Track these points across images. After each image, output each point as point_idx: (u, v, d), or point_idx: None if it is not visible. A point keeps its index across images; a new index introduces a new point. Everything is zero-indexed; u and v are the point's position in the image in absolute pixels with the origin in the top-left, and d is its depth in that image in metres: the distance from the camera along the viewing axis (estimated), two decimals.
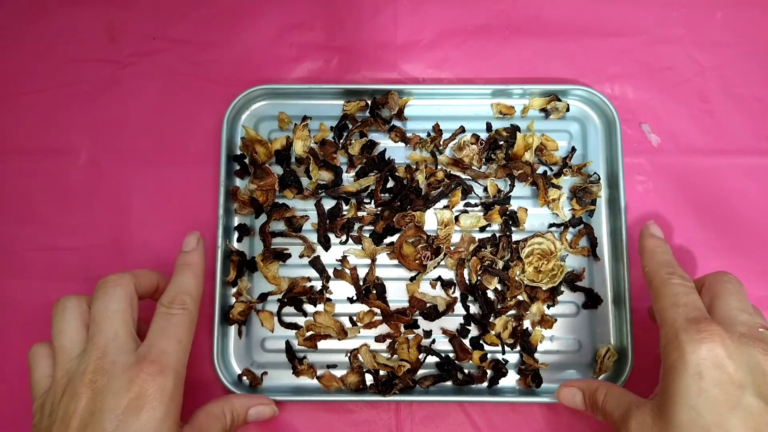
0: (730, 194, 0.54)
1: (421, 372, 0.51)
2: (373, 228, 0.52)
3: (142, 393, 0.36)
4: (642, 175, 0.54)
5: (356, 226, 0.53)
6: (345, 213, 0.53)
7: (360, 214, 0.53)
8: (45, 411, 0.38)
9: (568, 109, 0.54)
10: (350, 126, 0.54)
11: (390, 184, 0.53)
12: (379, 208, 0.52)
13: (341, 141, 0.54)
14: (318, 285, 0.52)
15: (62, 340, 0.39)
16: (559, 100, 0.54)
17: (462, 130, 0.54)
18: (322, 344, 0.52)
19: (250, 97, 0.54)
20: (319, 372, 0.51)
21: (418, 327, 0.52)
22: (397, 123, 0.55)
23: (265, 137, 0.54)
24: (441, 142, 0.54)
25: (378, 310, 0.52)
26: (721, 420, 0.31)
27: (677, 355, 0.35)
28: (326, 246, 0.52)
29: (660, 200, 0.54)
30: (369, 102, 0.54)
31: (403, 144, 0.54)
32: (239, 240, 0.53)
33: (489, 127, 0.55)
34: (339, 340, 0.51)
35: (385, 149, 0.54)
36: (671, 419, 0.33)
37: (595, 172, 0.53)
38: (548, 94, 0.54)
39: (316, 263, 0.52)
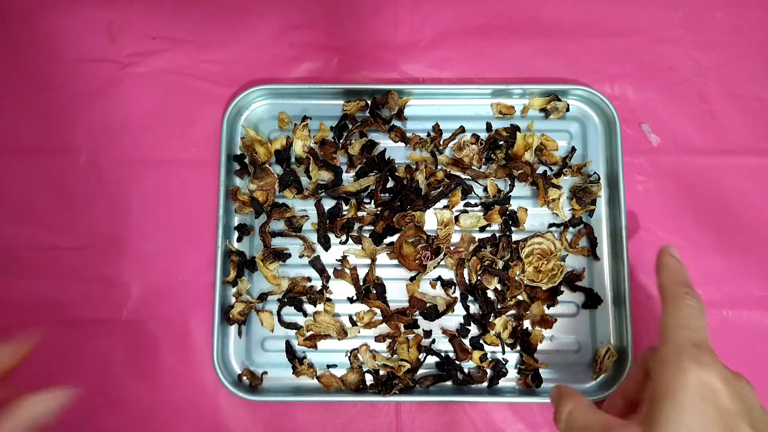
0: (730, 194, 0.54)
1: (421, 372, 0.51)
2: (373, 228, 0.52)
3: None
4: (642, 175, 0.54)
5: (356, 226, 0.53)
6: (345, 213, 0.53)
7: (360, 214, 0.53)
8: None
9: (568, 109, 0.54)
10: (350, 126, 0.54)
11: (390, 184, 0.53)
12: (379, 208, 0.52)
13: (341, 141, 0.54)
14: (318, 285, 0.52)
15: None
16: (559, 100, 0.54)
17: (462, 130, 0.54)
18: (322, 344, 0.52)
19: (250, 97, 0.54)
20: (319, 372, 0.51)
21: (418, 327, 0.52)
22: (397, 123, 0.55)
23: (265, 137, 0.54)
24: (441, 142, 0.54)
25: (378, 310, 0.52)
26: None
27: (678, 375, 0.34)
28: (326, 246, 0.52)
29: (660, 200, 0.54)
30: (369, 102, 0.54)
31: (403, 144, 0.54)
32: (239, 240, 0.53)
33: (489, 127, 0.55)
34: (339, 340, 0.51)
35: (385, 149, 0.54)
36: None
37: (594, 172, 0.53)
38: (548, 94, 0.54)
39: (316, 263, 0.52)
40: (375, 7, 0.58)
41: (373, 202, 0.53)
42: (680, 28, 0.57)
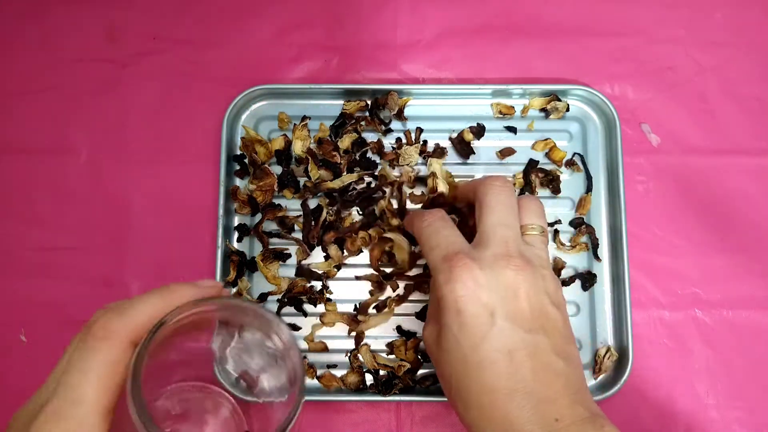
0: (730, 194, 0.54)
1: (421, 372, 0.51)
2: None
3: None
4: (642, 175, 0.54)
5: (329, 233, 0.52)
6: (329, 214, 0.52)
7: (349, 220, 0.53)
8: None
9: (568, 109, 0.54)
10: (347, 124, 0.54)
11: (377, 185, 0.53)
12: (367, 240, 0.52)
13: (336, 138, 0.54)
14: (318, 285, 0.52)
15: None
16: (559, 100, 0.54)
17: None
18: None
19: (250, 97, 0.54)
20: (319, 372, 0.51)
21: (415, 334, 0.52)
22: (397, 123, 0.55)
23: (265, 137, 0.54)
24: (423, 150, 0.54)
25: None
26: (476, 348, 0.35)
27: (439, 294, 0.37)
28: (311, 246, 0.52)
29: (660, 200, 0.54)
30: (369, 102, 0.54)
31: (392, 148, 0.54)
32: (239, 240, 0.53)
33: (481, 131, 0.54)
34: (349, 333, 0.51)
35: (368, 150, 0.54)
36: (441, 346, 0.37)
37: (553, 93, 0.54)
38: (548, 94, 0.54)
39: (302, 269, 0.52)
40: (375, 7, 0.58)
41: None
42: (680, 28, 0.57)
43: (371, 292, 0.52)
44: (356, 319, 0.51)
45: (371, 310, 0.52)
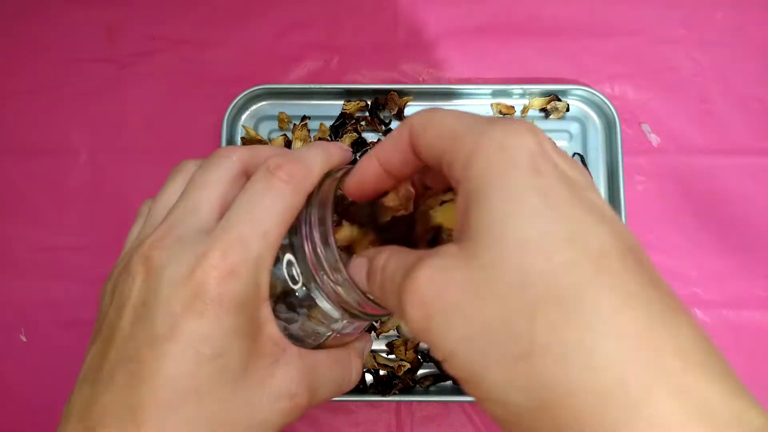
0: (730, 194, 0.54)
1: (421, 372, 0.51)
2: None
3: (201, 292, 0.24)
4: (642, 175, 0.54)
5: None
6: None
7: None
8: (108, 287, 0.30)
9: (568, 109, 0.54)
10: (347, 124, 0.54)
11: None
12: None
13: (336, 138, 0.54)
14: None
15: (157, 201, 0.31)
16: (559, 100, 0.54)
17: None
18: None
19: (250, 97, 0.54)
20: None
21: None
22: (397, 123, 0.55)
23: (265, 137, 0.54)
24: None
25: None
26: (581, 223, 0.21)
27: (490, 152, 0.21)
28: None
29: (660, 200, 0.54)
30: (369, 102, 0.54)
31: None
32: None
33: None
34: (378, 335, 0.51)
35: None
36: (505, 235, 0.20)
37: (553, 93, 0.54)
38: (548, 94, 0.54)
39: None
40: (375, 7, 0.58)
41: None
42: (680, 28, 0.57)
43: None
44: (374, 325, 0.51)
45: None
